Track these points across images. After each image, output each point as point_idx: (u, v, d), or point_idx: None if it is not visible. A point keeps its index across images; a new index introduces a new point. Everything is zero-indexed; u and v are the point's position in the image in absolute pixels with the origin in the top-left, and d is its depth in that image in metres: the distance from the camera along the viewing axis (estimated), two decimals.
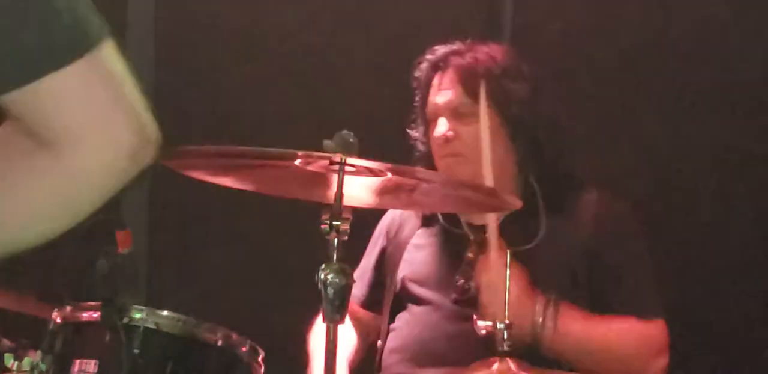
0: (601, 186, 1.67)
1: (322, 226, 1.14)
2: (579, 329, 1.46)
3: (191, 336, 1.29)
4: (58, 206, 0.78)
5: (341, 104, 2.11)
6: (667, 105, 2.08)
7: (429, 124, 1.61)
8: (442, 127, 1.56)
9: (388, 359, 1.59)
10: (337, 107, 2.09)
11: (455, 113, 1.58)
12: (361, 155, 1.12)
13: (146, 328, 1.27)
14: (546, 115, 1.61)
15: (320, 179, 1.22)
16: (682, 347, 1.61)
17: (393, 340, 1.60)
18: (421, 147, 1.64)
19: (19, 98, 0.73)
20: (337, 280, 1.10)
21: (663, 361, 1.52)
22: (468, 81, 1.57)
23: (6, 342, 1.30)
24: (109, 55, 0.76)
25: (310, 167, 1.19)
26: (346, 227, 1.14)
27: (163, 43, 2.16)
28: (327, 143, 1.15)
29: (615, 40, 2.11)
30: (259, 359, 1.34)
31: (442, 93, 1.60)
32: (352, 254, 1.28)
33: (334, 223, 1.11)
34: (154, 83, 1.97)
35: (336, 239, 1.13)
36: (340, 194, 1.14)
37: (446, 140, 1.56)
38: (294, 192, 1.41)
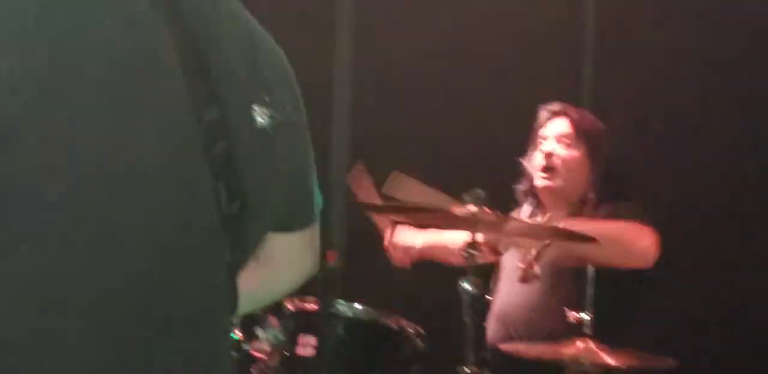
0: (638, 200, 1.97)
1: (463, 253, 1.52)
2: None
3: (375, 322, 1.69)
4: (271, 294, 1.02)
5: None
6: None
7: (537, 147, 1.95)
8: (547, 145, 1.91)
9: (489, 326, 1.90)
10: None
11: (559, 139, 1.92)
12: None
13: (344, 316, 1.69)
14: (615, 154, 1.96)
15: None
16: None
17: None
18: (526, 168, 1.96)
19: (280, 239, 0.89)
20: (470, 289, 1.49)
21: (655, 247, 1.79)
22: (576, 121, 1.93)
23: (273, 320, 1.73)
24: None
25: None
26: (478, 254, 1.52)
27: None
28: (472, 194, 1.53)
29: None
30: (420, 338, 1.71)
31: (555, 123, 1.95)
32: None
33: (470, 251, 1.49)
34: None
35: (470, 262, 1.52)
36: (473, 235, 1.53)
37: (547, 155, 1.89)
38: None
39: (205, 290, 0.83)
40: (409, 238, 2.02)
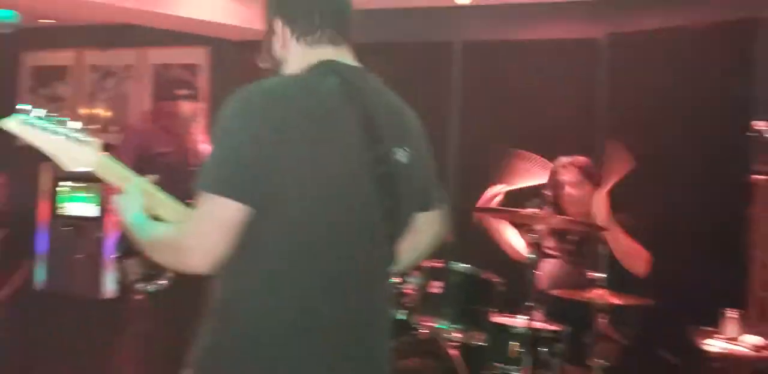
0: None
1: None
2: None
3: (476, 275, 2.61)
4: (419, 254, 1.49)
5: None
6: None
7: (557, 188, 2.82)
8: (569, 189, 2.80)
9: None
10: None
11: (571, 183, 2.80)
12: None
13: (458, 271, 2.61)
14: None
15: None
16: None
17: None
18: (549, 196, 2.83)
19: (428, 214, 1.43)
20: (533, 257, 2.46)
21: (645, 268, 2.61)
22: (581, 169, 2.80)
23: (416, 272, 2.64)
24: None
25: None
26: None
27: None
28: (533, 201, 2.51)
29: None
30: (502, 286, 2.62)
31: (568, 170, 2.81)
32: None
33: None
34: None
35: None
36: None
37: (572, 196, 2.79)
38: None
39: (383, 257, 1.29)
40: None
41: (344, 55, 1.34)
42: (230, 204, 1.14)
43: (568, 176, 2.78)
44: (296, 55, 1.32)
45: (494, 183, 2.90)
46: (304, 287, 1.21)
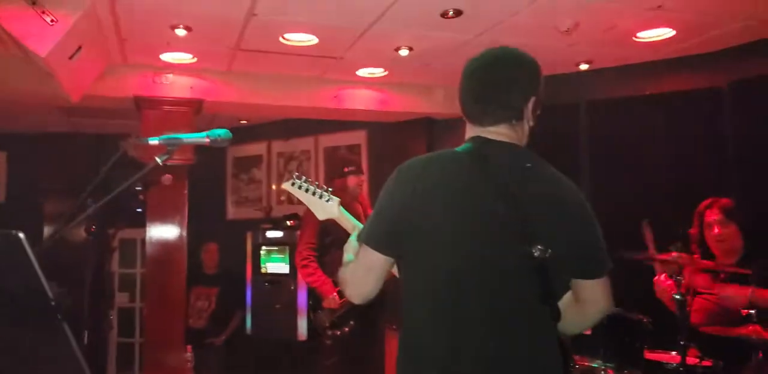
0: None
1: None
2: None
3: (624, 315, 2.59)
4: (585, 323, 1.45)
5: None
6: None
7: (704, 228, 2.79)
8: (715, 229, 2.76)
9: None
10: None
11: (715, 223, 2.75)
12: None
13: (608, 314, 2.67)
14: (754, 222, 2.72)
15: None
16: None
17: None
18: (696, 237, 2.82)
19: (588, 284, 1.35)
20: (680, 298, 2.44)
21: None
22: (724, 209, 2.75)
23: None
24: None
25: None
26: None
27: None
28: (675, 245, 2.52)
29: None
30: (650, 324, 2.58)
31: (713, 211, 2.78)
32: None
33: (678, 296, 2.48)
34: None
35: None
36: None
37: (719, 234, 2.75)
38: None
39: (541, 322, 1.29)
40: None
41: (501, 131, 1.40)
42: (372, 252, 1.34)
43: (713, 216, 2.76)
44: (469, 133, 1.46)
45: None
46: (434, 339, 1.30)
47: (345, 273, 1.43)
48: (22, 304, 0.89)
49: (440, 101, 4.36)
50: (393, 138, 4.67)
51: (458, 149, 1.40)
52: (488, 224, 1.29)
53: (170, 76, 3.66)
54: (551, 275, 1.29)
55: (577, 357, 2.64)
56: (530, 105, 1.43)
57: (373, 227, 1.37)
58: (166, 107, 3.60)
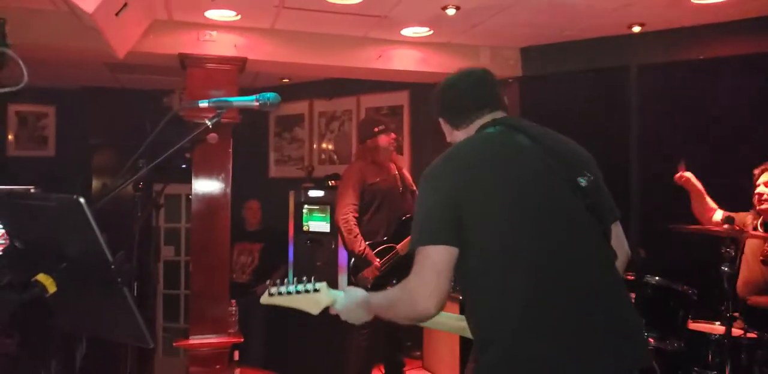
0: None
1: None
2: None
3: (668, 285, 2.58)
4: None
5: None
6: None
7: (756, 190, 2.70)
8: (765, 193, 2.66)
9: None
10: None
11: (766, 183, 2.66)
12: None
13: (650, 283, 2.63)
14: None
15: None
16: None
17: None
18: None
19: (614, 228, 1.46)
20: (726, 270, 2.36)
21: None
22: None
23: None
24: None
25: None
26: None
27: None
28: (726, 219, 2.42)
29: None
30: (694, 295, 2.58)
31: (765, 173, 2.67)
32: None
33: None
34: None
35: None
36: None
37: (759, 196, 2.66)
38: None
39: (604, 258, 1.35)
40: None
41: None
42: (436, 251, 1.27)
43: (764, 177, 2.69)
44: (461, 136, 1.53)
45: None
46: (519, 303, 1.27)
47: (406, 288, 1.31)
48: (83, 268, 0.90)
49: (486, 62, 4.23)
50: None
51: (488, 130, 1.47)
52: (554, 187, 1.35)
53: (214, 33, 3.62)
54: (599, 213, 1.37)
55: None
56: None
57: (429, 225, 1.32)
58: (210, 65, 3.58)
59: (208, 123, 1.40)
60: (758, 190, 2.72)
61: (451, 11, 3.41)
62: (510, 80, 4.31)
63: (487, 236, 1.28)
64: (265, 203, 5.07)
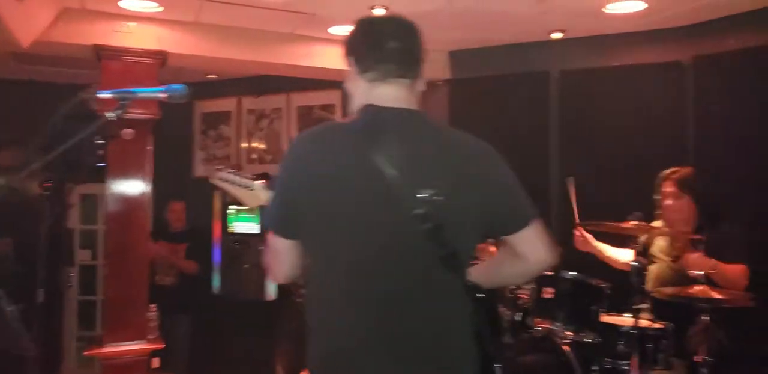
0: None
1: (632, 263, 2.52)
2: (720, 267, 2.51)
3: (583, 280, 2.66)
4: (516, 279, 1.59)
5: None
6: None
7: (661, 199, 2.81)
8: (668, 200, 2.78)
9: None
10: None
11: (668, 194, 2.77)
12: None
13: (567, 278, 2.69)
14: (711, 194, 2.75)
15: None
16: None
17: None
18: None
19: (517, 236, 1.30)
20: (637, 264, 2.49)
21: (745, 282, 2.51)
22: (676, 181, 2.76)
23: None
24: None
25: None
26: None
27: None
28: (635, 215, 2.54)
29: None
30: (607, 289, 2.66)
31: (666, 183, 2.79)
32: None
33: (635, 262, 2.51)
34: None
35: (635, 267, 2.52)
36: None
37: (670, 206, 2.78)
38: None
39: (433, 280, 1.24)
40: (598, 245, 2.99)
41: (397, 94, 1.33)
42: (275, 237, 1.32)
43: (666, 188, 2.81)
44: (359, 90, 1.36)
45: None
46: (333, 307, 1.29)
47: (264, 258, 1.40)
48: None
49: None
50: None
51: (350, 120, 1.34)
52: (381, 197, 1.23)
53: (132, 24, 3.46)
54: (450, 238, 1.23)
55: (538, 320, 2.71)
56: (422, 69, 1.39)
57: (272, 210, 1.35)
58: (128, 58, 3.41)
59: (112, 116, 1.33)
60: (666, 202, 2.79)
61: (378, 11, 3.42)
62: (439, 83, 4.39)
63: (307, 241, 1.31)
64: (191, 204, 4.90)
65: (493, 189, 1.30)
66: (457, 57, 4.36)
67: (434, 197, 1.20)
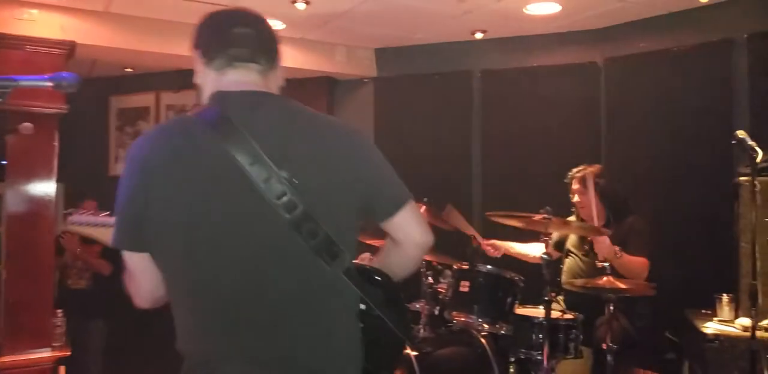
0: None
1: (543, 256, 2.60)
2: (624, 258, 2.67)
3: (499, 274, 2.71)
4: (403, 268, 1.31)
5: None
6: None
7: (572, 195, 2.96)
8: (575, 197, 2.94)
9: None
10: None
11: (575, 192, 2.94)
12: None
13: (483, 271, 2.71)
14: (614, 190, 2.91)
15: None
16: None
17: None
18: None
19: (393, 222, 1.23)
20: (547, 258, 2.59)
21: (646, 274, 2.71)
22: (580, 179, 2.92)
23: (448, 272, 2.86)
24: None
25: None
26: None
27: None
28: (545, 209, 2.64)
29: None
30: (521, 282, 2.73)
31: (573, 181, 2.95)
32: None
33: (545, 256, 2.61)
34: None
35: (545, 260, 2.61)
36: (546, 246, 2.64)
37: (577, 202, 2.93)
38: None
39: (310, 276, 1.13)
40: (506, 244, 3.10)
41: (247, 79, 1.24)
42: (126, 254, 1.19)
43: (573, 185, 2.95)
44: (208, 81, 1.26)
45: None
46: (192, 322, 1.18)
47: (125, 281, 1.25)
48: None
49: (342, 60, 4.27)
50: (291, 95, 4.45)
51: (197, 111, 1.21)
52: (238, 188, 1.12)
53: (34, 12, 3.25)
54: (323, 225, 1.14)
55: (454, 313, 2.75)
56: (277, 61, 1.29)
57: (117, 226, 1.20)
58: (31, 48, 3.20)
59: None
60: (574, 199, 2.95)
61: (300, 6, 3.38)
62: (365, 80, 4.40)
63: (162, 254, 1.18)
64: (107, 203, 4.67)
65: (361, 171, 1.22)
66: (382, 55, 4.38)
67: (293, 179, 1.11)
